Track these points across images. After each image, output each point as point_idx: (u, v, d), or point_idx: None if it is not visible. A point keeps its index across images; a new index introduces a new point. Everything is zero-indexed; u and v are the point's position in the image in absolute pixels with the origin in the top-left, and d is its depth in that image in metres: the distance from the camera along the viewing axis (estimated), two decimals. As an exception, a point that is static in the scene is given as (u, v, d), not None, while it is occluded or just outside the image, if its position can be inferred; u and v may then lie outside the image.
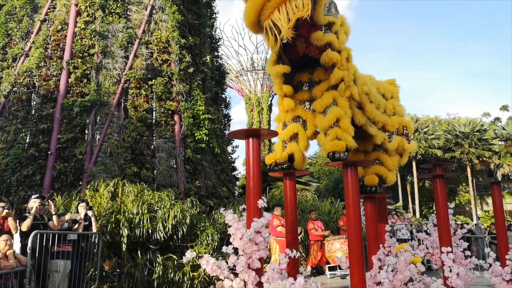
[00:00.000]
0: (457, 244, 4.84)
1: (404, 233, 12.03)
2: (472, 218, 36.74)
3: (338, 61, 3.77)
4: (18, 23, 11.61)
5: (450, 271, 4.29)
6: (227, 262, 2.95)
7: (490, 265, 5.31)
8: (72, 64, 10.67)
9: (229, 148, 15.59)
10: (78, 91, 10.50)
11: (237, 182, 16.17)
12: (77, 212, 6.82)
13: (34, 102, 10.88)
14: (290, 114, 4.13)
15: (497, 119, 44.86)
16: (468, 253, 4.89)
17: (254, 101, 35.43)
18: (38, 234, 5.41)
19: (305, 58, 4.10)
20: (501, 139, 41.94)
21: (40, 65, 10.75)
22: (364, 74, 4.56)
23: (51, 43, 11.08)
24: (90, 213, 6.74)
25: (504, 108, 44.86)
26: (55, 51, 10.99)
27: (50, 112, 10.26)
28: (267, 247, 9.07)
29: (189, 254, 2.93)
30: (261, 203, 3.02)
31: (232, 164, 15.67)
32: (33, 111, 10.77)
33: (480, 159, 39.90)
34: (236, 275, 2.92)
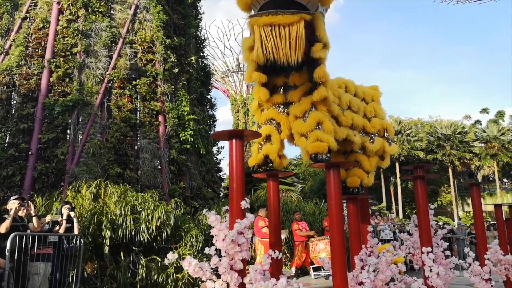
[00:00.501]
0: (438, 244, 4.93)
1: (387, 234, 12.19)
2: (454, 218, 37.50)
3: (327, 80, 3.78)
4: (-3, 20, 11.35)
5: (431, 270, 4.37)
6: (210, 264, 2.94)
7: (470, 265, 5.43)
8: (54, 63, 10.48)
9: (215, 149, 15.54)
10: (60, 90, 10.32)
11: (222, 183, 16.13)
12: (60, 213, 6.70)
13: (14, 101, 10.64)
14: (263, 117, 4.16)
15: (478, 121, 45.95)
16: (448, 253, 4.98)
17: (239, 102, 35.44)
18: (18, 236, 5.28)
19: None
20: (482, 141, 42.97)
21: (20, 63, 10.52)
22: (342, 79, 4.62)
23: (32, 42, 10.86)
24: (72, 214, 6.62)
25: (485, 111, 45.98)
26: (36, 50, 10.77)
27: (31, 112, 10.06)
28: (251, 248, 9.08)
29: (171, 256, 2.91)
30: (244, 204, 3.02)
31: (218, 165, 15.63)
32: (13, 110, 10.54)
33: (461, 160, 40.82)
34: (218, 276, 2.91)
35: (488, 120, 44.80)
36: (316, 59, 3.67)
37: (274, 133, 4.05)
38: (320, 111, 3.82)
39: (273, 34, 3.41)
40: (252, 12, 3.67)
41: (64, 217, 6.53)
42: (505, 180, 46.85)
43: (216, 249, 2.94)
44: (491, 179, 43.07)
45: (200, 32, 15.98)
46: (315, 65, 3.71)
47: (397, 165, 38.24)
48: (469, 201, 41.20)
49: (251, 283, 2.87)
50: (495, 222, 16.31)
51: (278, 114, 4.10)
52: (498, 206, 6.92)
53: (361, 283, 3.89)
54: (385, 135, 5.02)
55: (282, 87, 4.13)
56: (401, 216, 35.26)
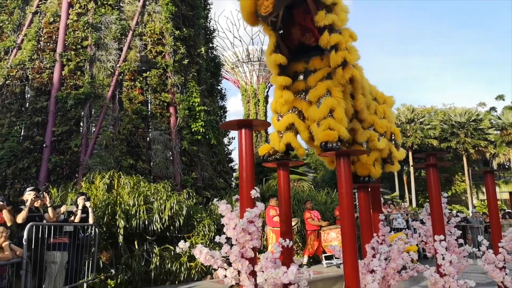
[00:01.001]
0: (451, 232, 4.88)
1: (400, 222, 12.14)
2: (468, 207, 37.07)
3: (340, 42, 3.60)
4: (9, 15, 11.47)
5: (443, 259, 4.33)
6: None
7: (483, 253, 5.37)
8: (65, 57, 10.58)
9: (226, 140, 15.59)
10: (72, 83, 10.44)
11: (233, 174, 16.20)
12: (75, 204, 6.84)
13: (28, 95, 10.81)
14: (286, 106, 4.10)
15: (493, 108, 45.01)
16: (461, 241, 4.93)
17: (250, 93, 35.35)
18: (34, 226, 5.41)
19: (300, 46, 4.05)
20: (497, 128, 42.15)
21: (33, 57, 10.65)
22: None
23: (43, 36, 10.97)
24: (88, 203, 6.77)
25: (500, 97, 44.97)
26: (48, 44, 10.89)
27: (44, 105, 10.21)
28: (263, 237, 9.13)
29: (183, 245, 2.95)
30: (254, 193, 3.03)
31: (229, 156, 15.68)
32: (27, 104, 10.71)
33: (476, 148, 40.14)
34: (230, 264, 2.94)
35: (504, 107, 43.86)
36: (325, 27, 3.56)
37: (297, 121, 3.97)
38: (335, 97, 3.74)
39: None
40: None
41: (80, 207, 6.67)
42: (521, 167, 45.99)
43: (227, 238, 2.97)
44: (506, 166, 42.33)
45: (209, 23, 15.93)
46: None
47: (410, 153, 37.83)
48: (484, 190, 40.62)
49: (262, 271, 2.89)
50: (510, 211, 16.09)
51: (300, 101, 4.01)
52: (513, 194, 6.80)
53: (372, 271, 3.89)
54: (392, 139, 4.96)
55: (303, 73, 4.07)
56: (414, 205, 34.99)
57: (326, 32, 3.62)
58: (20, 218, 5.66)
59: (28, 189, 6.32)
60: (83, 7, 11.15)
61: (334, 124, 3.65)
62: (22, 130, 10.21)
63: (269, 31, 3.74)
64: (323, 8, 3.61)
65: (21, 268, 5.07)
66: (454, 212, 5.35)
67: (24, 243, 5.19)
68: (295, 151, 4.09)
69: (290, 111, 4.05)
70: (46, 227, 5.74)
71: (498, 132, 41.85)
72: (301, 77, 4.07)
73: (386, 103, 4.99)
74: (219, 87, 15.72)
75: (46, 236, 5.69)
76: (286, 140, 3.96)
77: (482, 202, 37.62)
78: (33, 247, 5.36)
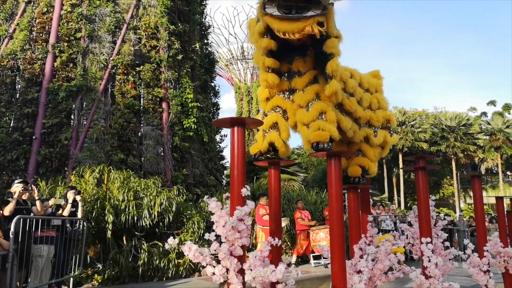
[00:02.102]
0: (437, 235, 4.95)
1: (389, 224, 12.25)
2: (456, 210, 37.53)
3: (337, 74, 3.74)
4: (1, 4, 11.31)
5: (429, 261, 4.39)
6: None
7: (469, 256, 5.46)
8: (58, 48, 10.46)
9: (217, 137, 15.57)
10: (64, 75, 10.32)
11: (225, 171, 16.19)
12: (64, 198, 6.78)
13: (19, 86, 10.66)
14: (269, 104, 4.13)
15: (484, 113, 45.64)
16: (447, 244, 5.00)
17: (243, 90, 35.32)
18: (21, 219, 5.35)
19: (282, 46, 4.03)
20: (486, 133, 42.73)
21: (24, 48, 10.51)
22: (347, 68, 4.57)
23: (36, 26, 10.83)
24: (78, 197, 6.72)
25: (492, 103, 45.63)
26: (41, 34, 10.75)
27: (35, 96, 10.08)
28: (252, 235, 9.14)
29: (172, 241, 2.95)
30: (245, 191, 3.04)
31: (220, 153, 15.67)
32: (18, 94, 10.56)
33: (465, 153, 40.66)
34: (218, 262, 2.95)
35: (493, 112, 44.49)
36: (329, 54, 3.65)
37: (280, 120, 4.02)
38: (324, 101, 3.80)
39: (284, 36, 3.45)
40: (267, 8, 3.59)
41: (70, 201, 6.62)
42: (508, 173, 46.69)
43: (216, 235, 2.98)
44: (494, 171, 42.95)
45: (205, 19, 15.86)
46: (326, 57, 3.67)
47: (400, 156, 38.18)
48: (471, 194, 41.14)
49: (250, 269, 2.91)
50: (496, 215, 16.33)
51: (284, 101, 4.06)
52: (499, 199, 6.92)
53: (359, 272, 3.93)
54: (387, 126, 5.00)
55: (286, 73, 4.10)
56: (402, 207, 35.33)
57: (333, 60, 3.67)
58: (7, 211, 5.59)
59: (16, 181, 6.25)
60: (77, -2, 11.03)
61: (324, 125, 3.69)
62: (12, 121, 10.08)
63: (262, 15, 3.66)
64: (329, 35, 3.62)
65: (7, 261, 5.01)
66: (441, 215, 5.43)
67: (11, 236, 5.13)
68: (279, 151, 4.10)
69: (274, 110, 4.10)
70: (34, 220, 5.68)
71: (487, 137, 42.44)
72: (285, 77, 4.10)
73: (378, 90, 5.02)
74: (212, 84, 15.69)
75: (33, 229, 5.64)
76: (269, 139, 4.00)
77: (470, 206, 38.13)
78: (19, 240, 5.30)
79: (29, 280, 5.82)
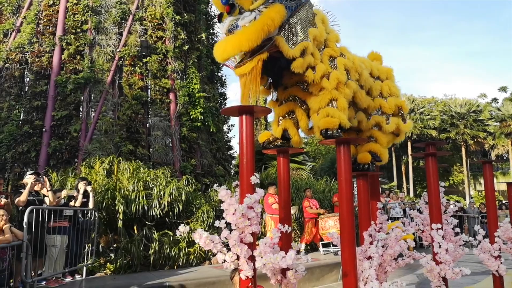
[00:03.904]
0: (448, 221, 4.93)
1: (398, 212, 12.24)
2: (465, 198, 37.30)
3: (317, 83, 3.78)
4: (8, -3, 11.33)
5: (440, 247, 4.39)
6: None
7: (479, 242, 5.44)
8: (65, 40, 10.49)
9: (225, 127, 15.57)
10: (71, 68, 10.37)
11: (233, 161, 16.22)
12: (76, 189, 6.88)
13: (27, 79, 10.74)
14: (286, 93, 4.11)
15: (494, 99, 44.95)
16: (458, 230, 4.98)
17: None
18: (34, 210, 5.45)
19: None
20: (496, 120, 42.16)
21: (32, 41, 10.56)
22: (357, 57, 4.52)
23: (43, 19, 10.85)
24: (89, 188, 6.82)
25: (503, 89, 44.89)
26: (47, 27, 10.78)
27: (44, 89, 10.16)
28: (262, 223, 9.20)
29: (183, 228, 2.97)
30: (254, 179, 3.05)
31: (228, 143, 15.68)
32: (27, 87, 10.65)
33: (475, 139, 40.24)
34: (229, 249, 2.97)
35: (504, 98, 43.80)
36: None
37: (297, 108, 4.02)
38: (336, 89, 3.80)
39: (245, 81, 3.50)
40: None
41: (81, 191, 6.72)
42: (519, 159, 46.12)
43: (226, 223, 3.00)
44: (505, 158, 42.46)
45: (211, 8, 15.72)
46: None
47: (409, 144, 37.90)
48: (481, 180, 40.82)
49: (261, 256, 2.93)
50: (507, 202, 16.21)
51: (302, 91, 4.05)
52: (510, 184, 6.85)
53: (369, 258, 3.94)
54: (400, 113, 4.96)
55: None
56: (412, 195, 35.20)
57: (309, 71, 3.73)
58: (20, 201, 5.69)
59: (28, 172, 6.35)
60: (82, -10, 11.01)
61: (333, 112, 3.68)
62: (22, 114, 10.18)
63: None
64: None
65: (21, 251, 5.12)
66: (451, 202, 5.40)
67: (25, 226, 5.23)
68: (293, 139, 4.12)
69: (291, 99, 4.08)
70: (46, 211, 5.77)
71: (498, 123, 41.87)
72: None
73: (389, 77, 4.98)
74: (219, 74, 15.63)
75: (46, 219, 5.73)
76: (283, 125, 4.01)
77: (480, 193, 37.86)
78: (33, 230, 5.40)
79: (43, 269, 5.94)
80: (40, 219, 5.56)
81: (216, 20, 16.15)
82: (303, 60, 3.61)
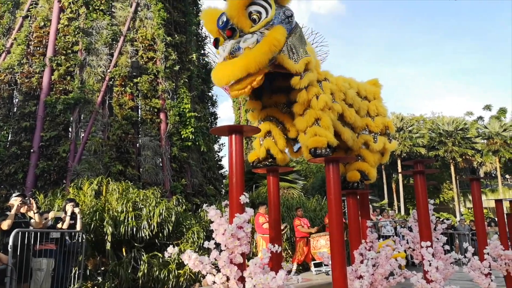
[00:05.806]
0: (438, 239, 4.95)
1: (389, 230, 12.23)
2: (456, 215, 37.46)
3: (307, 102, 3.85)
4: (-1, 19, 11.38)
5: (430, 265, 4.39)
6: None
7: (469, 260, 5.45)
8: (55, 61, 10.51)
9: (216, 147, 15.56)
10: (61, 88, 10.35)
11: (223, 181, 16.14)
12: (64, 210, 6.76)
13: (16, 100, 10.68)
14: (263, 113, 4.20)
15: (480, 118, 45.89)
16: (447, 247, 4.99)
17: (241, 99, 35.37)
18: (20, 233, 5.33)
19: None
20: (483, 137, 42.89)
21: (22, 62, 10.55)
22: (344, 78, 4.62)
23: (33, 40, 10.88)
24: (77, 210, 6.70)
25: (487, 107, 45.96)
26: (38, 48, 10.80)
27: (33, 110, 10.09)
28: (252, 244, 9.10)
29: (172, 250, 2.94)
30: (244, 198, 3.05)
31: (219, 163, 15.65)
32: (15, 108, 10.58)
33: (463, 157, 40.75)
34: (218, 270, 2.94)
35: (490, 116, 44.74)
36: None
37: (273, 128, 4.08)
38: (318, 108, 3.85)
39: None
40: None
41: (68, 213, 6.60)
42: (507, 176, 46.77)
43: (216, 244, 2.97)
44: (493, 175, 43.00)
45: (201, 30, 15.95)
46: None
47: (399, 162, 38.22)
48: (471, 197, 41.04)
49: (251, 277, 2.90)
50: (496, 218, 16.33)
51: (281, 113, 4.13)
52: (499, 202, 6.94)
53: (360, 277, 3.92)
54: (386, 132, 5.04)
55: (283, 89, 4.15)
56: (402, 212, 35.22)
57: (302, 92, 3.83)
58: (5, 225, 5.56)
59: (14, 194, 6.23)
60: (74, 12, 11.11)
61: (320, 131, 3.73)
62: (10, 135, 10.07)
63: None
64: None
65: (5, 275, 4.98)
66: (441, 219, 5.43)
67: (10, 249, 5.10)
68: (276, 157, 4.16)
69: (267, 119, 4.16)
70: (32, 233, 5.65)
71: (485, 141, 42.58)
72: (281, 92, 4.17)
73: (376, 98, 5.07)
74: (210, 94, 15.72)
75: (32, 242, 5.61)
76: (266, 145, 4.06)
77: (470, 210, 38.06)
78: (18, 253, 5.27)
79: (28, 294, 5.76)
80: (26, 242, 5.43)
81: (207, 41, 16.41)
82: (307, 75, 3.76)
